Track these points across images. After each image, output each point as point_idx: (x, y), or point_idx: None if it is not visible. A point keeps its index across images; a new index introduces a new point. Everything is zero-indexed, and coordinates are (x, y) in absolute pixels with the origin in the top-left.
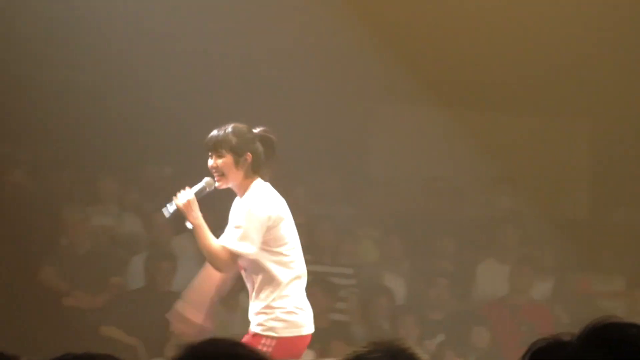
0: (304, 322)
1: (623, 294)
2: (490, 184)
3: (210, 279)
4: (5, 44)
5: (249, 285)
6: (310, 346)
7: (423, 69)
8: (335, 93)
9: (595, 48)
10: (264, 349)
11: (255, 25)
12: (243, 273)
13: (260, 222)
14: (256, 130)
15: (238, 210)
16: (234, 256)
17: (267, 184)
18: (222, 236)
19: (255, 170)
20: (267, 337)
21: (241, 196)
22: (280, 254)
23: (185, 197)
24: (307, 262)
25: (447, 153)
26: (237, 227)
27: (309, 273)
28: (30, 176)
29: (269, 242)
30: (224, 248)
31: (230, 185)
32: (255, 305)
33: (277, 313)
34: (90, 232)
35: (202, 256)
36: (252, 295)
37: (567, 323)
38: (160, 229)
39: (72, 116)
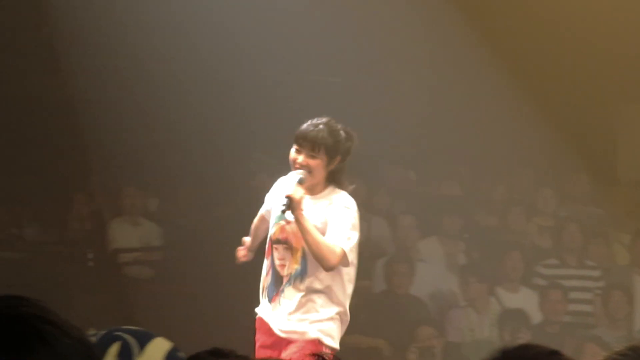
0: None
1: None
2: None
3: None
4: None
5: (300, 293)
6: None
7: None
8: (581, 94)
9: None
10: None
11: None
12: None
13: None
14: (345, 131)
15: (345, 216)
16: (343, 260)
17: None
18: (330, 237)
19: (340, 171)
20: (329, 347)
21: (310, 194)
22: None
23: (298, 192)
24: (552, 267)
25: None
26: (349, 236)
27: (554, 277)
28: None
29: None
30: (340, 249)
31: (311, 183)
32: (325, 311)
33: (340, 324)
34: None
35: (448, 260)
36: (307, 304)
37: None
38: (406, 232)
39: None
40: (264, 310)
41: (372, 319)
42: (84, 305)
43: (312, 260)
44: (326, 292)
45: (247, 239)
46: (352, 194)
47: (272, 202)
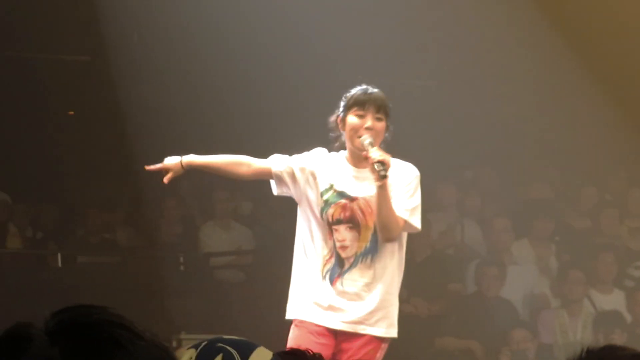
0: None
1: None
2: None
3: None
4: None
5: (368, 273)
6: None
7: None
8: None
9: None
10: (380, 354)
11: None
12: (351, 256)
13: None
14: None
15: (406, 179)
16: (405, 228)
17: None
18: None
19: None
20: (387, 340)
21: (357, 166)
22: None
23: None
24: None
25: None
26: (411, 198)
27: None
28: None
29: None
30: (402, 220)
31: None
32: (385, 300)
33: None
34: (430, 239)
35: (540, 262)
36: (377, 286)
37: None
38: (498, 235)
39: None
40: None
41: (464, 321)
42: (175, 309)
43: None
44: (395, 273)
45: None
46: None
47: (320, 175)
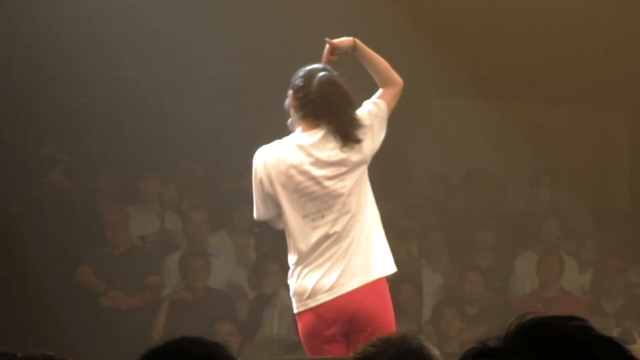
0: None
1: None
2: (531, 176)
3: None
4: (42, 44)
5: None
6: None
7: (461, 61)
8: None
9: (634, 37)
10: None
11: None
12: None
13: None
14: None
15: None
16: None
17: None
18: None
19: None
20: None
21: None
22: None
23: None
24: None
25: (487, 145)
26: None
27: None
28: (69, 176)
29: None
30: None
31: None
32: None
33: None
34: (129, 232)
35: (239, 254)
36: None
37: (609, 314)
38: (197, 227)
39: (109, 116)
40: None
41: (173, 316)
42: None
43: None
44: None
45: None
46: None
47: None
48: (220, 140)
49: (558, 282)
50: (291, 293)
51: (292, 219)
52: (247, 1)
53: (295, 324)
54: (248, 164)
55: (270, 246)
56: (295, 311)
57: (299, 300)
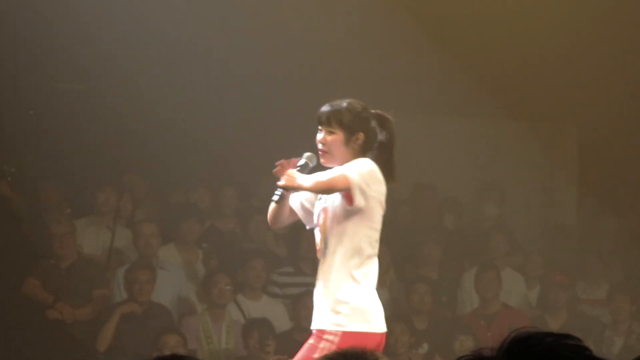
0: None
1: (606, 300)
2: (478, 192)
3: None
4: None
5: (328, 254)
6: None
7: (410, 75)
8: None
9: (581, 51)
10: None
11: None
12: (320, 234)
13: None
14: (373, 111)
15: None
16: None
17: None
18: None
19: (365, 152)
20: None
21: None
22: (372, 228)
23: (286, 176)
24: (290, 275)
25: (433, 160)
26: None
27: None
28: (16, 188)
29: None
30: (339, 173)
31: (335, 164)
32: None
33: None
34: (76, 244)
35: (188, 268)
36: (332, 266)
37: (552, 329)
38: (146, 240)
39: (57, 128)
40: None
41: (119, 327)
42: None
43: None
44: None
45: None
46: None
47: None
48: (169, 152)
49: (498, 298)
50: (356, 308)
51: (374, 236)
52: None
53: (245, 336)
54: (199, 177)
55: (218, 260)
56: (359, 329)
57: (370, 321)
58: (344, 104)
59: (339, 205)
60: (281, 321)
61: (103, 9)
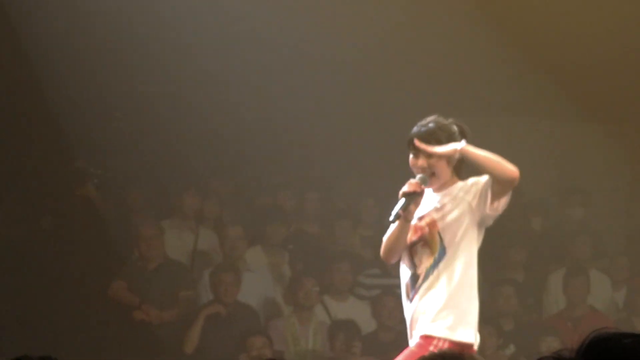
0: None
1: None
2: (563, 195)
3: None
4: (80, 58)
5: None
6: None
7: (485, 77)
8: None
9: None
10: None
11: (348, 26)
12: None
13: None
14: (456, 124)
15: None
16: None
17: None
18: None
19: (461, 164)
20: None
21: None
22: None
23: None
24: (377, 277)
25: (519, 162)
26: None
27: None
28: (102, 190)
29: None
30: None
31: (437, 185)
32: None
33: None
34: (163, 247)
35: (275, 271)
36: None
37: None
38: (233, 243)
39: (142, 131)
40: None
41: (203, 328)
42: None
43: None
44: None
45: None
46: None
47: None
48: (254, 156)
49: (586, 301)
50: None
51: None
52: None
53: (332, 338)
54: (284, 180)
55: (304, 262)
56: (473, 341)
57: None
58: (432, 124)
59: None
60: (367, 322)
61: (186, 10)
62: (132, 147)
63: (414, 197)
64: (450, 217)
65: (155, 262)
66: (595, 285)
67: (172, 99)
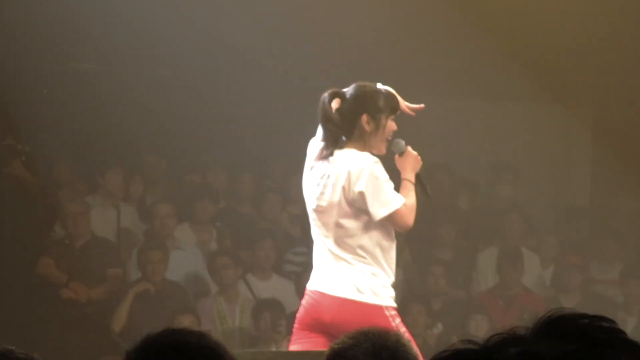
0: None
1: (620, 281)
2: (491, 173)
3: None
4: (5, 36)
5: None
6: None
7: (420, 58)
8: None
9: (600, 37)
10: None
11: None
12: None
13: None
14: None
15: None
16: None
17: None
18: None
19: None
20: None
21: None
22: None
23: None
24: (305, 254)
25: (448, 141)
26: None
27: None
28: (30, 167)
29: None
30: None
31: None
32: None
33: None
34: (90, 224)
35: (204, 247)
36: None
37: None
38: (162, 220)
39: (71, 108)
40: None
41: (132, 307)
42: None
43: None
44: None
45: None
46: None
47: None
48: (183, 133)
49: (520, 280)
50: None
51: None
52: None
53: (256, 317)
54: (212, 158)
55: (232, 240)
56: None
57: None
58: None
59: None
60: (291, 301)
61: None
62: (61, 124)
63: None
64: None
65: (83, 239)
66: (525, 263)
67: (101, 75)
